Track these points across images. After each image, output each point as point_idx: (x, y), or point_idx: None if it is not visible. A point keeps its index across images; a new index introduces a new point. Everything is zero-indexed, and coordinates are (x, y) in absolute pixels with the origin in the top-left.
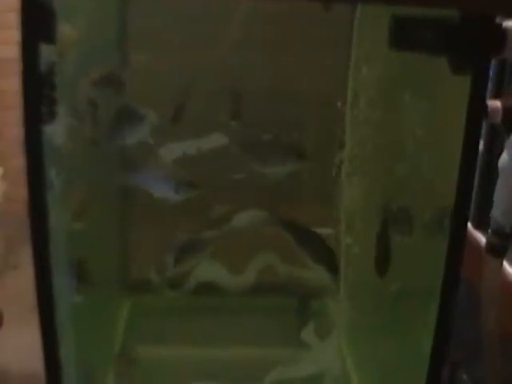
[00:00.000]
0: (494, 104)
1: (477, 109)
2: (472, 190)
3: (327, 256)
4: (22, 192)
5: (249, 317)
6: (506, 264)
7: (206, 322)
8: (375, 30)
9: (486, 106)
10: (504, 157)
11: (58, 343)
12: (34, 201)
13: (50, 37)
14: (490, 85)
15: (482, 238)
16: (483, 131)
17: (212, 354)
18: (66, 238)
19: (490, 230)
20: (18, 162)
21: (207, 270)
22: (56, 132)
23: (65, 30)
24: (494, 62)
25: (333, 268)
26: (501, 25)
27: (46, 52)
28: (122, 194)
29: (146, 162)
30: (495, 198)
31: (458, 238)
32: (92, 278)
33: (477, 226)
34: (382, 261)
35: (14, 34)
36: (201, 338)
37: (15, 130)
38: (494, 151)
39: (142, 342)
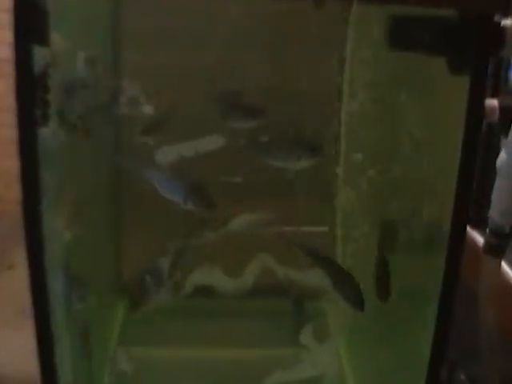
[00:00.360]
0: (491, 103)
1: (476, 110)
2: (471, 192)
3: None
4: (14, 193)
5: (246, 319)
6: (504, 264)
7: (203, 324)
8: (371, 29)
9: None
10: (502, 156)
11: (54, 346)
12: (29, 204)
13: (43, 38)
14: None
15: (479, 238)
16: None
17: (208, 356)
18: (60, 241)
19: (488, 230)
20: (11, 163)
21: (204, 273)
22: (50, 134)
23: (55, 38)
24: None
25: (358, 304)
26: (499, 23)
27: (39, 54)
28: (116, 196)
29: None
30: (493, 198)
31: (457, 240)
32: (86, 280)
33: (474, 226)
34: (383, 287)
35: (7, 35)
36: (197, 341)
37: (7, 131)
38: (491, 150)
39: (137, 345)
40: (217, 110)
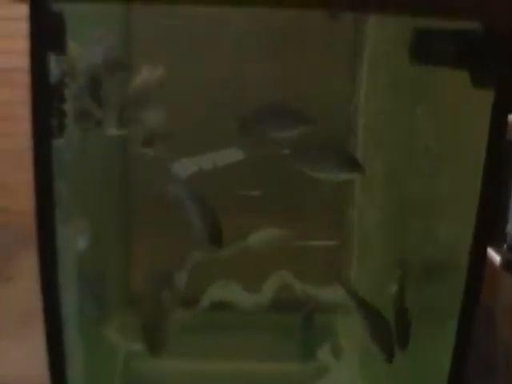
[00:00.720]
0: (508, 118)
1: (500, 125)
2: (494, 213)
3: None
4: (21, 205)
5: (262, 333)
6: None
7: (219, 338)
8: (391, 41)
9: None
10: None
11: (65, 356)
12: (43, 215)
13: (59, 47)
14: None
15: (495, 256)
16: None
17: (224, 370)
18: (73, 251)
19: (505, 247)
20: (18, 174)
21: (222, 289)
22: (65, 145)
23: (71, 46)
24: None
25: (389, 352)
26: None
27: (56, 63)
28: (129, 206)
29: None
30: (510, 214)
31: (478, 259)
32: (98, 291)
33: (491, 243)
34: (402, 337)
35: (20, 44)
36: (213, 355)
37: (15, 141)
38: (508, 167)
39: (150, 357)
40: (248, 121)
